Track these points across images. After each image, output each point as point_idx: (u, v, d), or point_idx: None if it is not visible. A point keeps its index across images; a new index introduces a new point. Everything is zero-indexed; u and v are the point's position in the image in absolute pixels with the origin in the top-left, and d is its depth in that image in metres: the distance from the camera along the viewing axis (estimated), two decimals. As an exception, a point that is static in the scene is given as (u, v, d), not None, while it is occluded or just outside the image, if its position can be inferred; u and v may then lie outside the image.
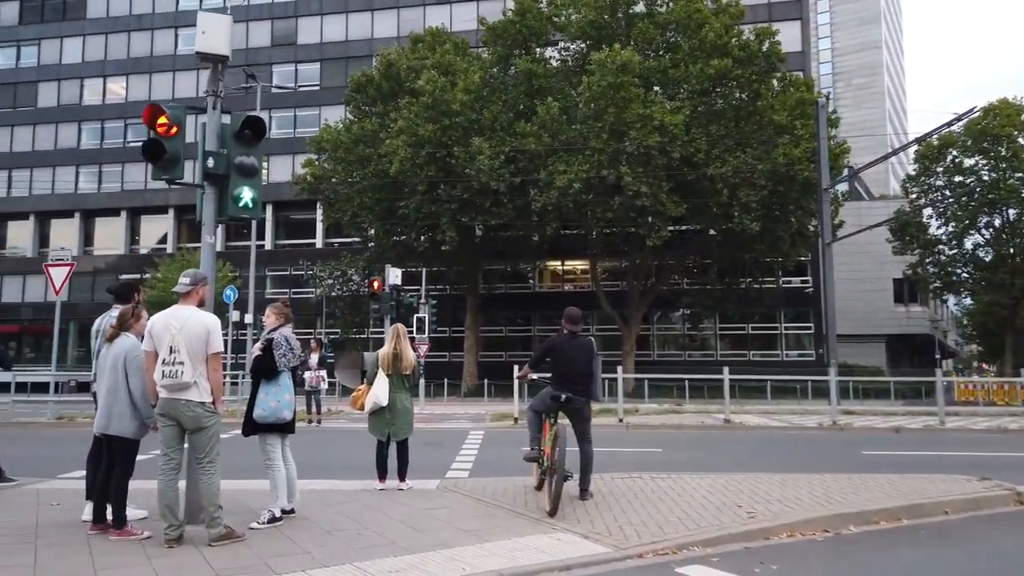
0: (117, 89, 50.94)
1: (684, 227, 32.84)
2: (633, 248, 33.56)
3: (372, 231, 36.30)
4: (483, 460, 9.82)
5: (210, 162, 5.67)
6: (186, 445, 5.03)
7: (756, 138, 29.79)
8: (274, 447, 5.65)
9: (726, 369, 15.23)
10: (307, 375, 14.50)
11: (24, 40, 51.59)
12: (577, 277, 44.31)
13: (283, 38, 48.91)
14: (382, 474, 7.18)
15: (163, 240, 49.91)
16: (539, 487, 6.92)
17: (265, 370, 5.65)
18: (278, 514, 5.53)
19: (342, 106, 44.27)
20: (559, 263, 43.63)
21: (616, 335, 36.31)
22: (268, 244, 48.40)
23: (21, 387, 18.62)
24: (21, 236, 50.94)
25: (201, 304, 5.12)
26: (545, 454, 6.28)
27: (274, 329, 5.82)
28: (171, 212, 49.24)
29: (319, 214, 47.98)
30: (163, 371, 4.78)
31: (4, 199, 50.67)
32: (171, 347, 4.80)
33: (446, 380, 32.25)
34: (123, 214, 49.46)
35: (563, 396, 6.27)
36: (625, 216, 29.80)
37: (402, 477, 7.14)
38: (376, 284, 18.95)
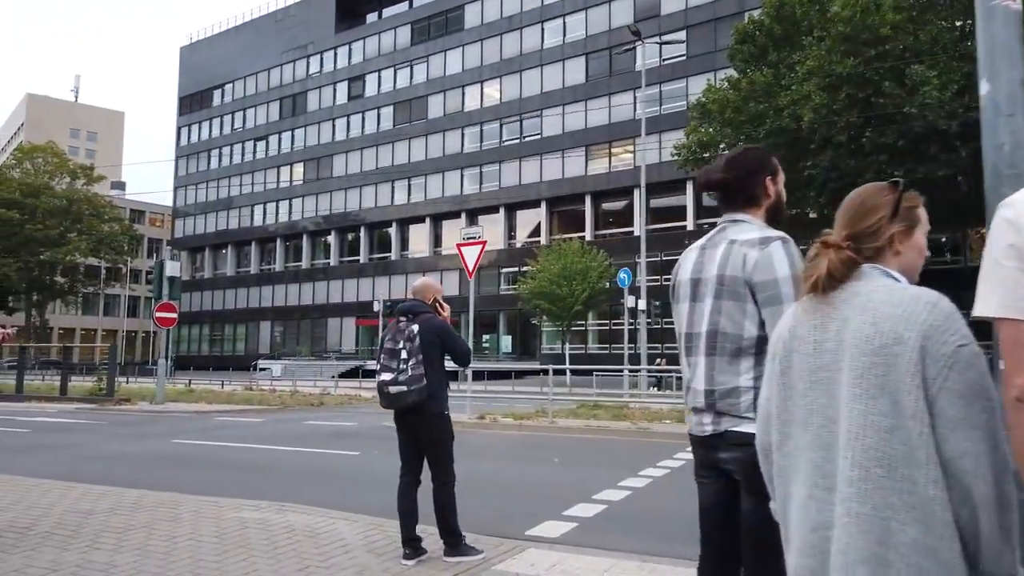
0: (492, 92, 53.36)
1: None
2: None
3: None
4: None
5: None
6: None
7: None
8: None
9: None
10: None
11: (415, 59, 56.90)
12: (1026, 246, 34.14)
13: (646, 10, 46.27)
14: None
15: (535, 232, 50.93)
16: None
17: None
18: None
19: (709, 74, 40.34)
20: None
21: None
22: (637, 230, 46.33)
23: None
24: (419, 239, 56.25)
25: None
26: None
27: None
28: (543, 205, 49.95)
29: (689, 193, 44.70)
30: None
31: (405, 205, 56.38)
32: None
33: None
34: (501, 210, 51.48)
35: None
36: None
37: None
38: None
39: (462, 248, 13.35)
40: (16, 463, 8.25)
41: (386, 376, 4.15)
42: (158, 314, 16.67)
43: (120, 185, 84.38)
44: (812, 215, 32.14)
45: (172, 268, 16.98)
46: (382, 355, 4.23)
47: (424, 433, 4.28)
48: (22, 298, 57.99)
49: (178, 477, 7.47)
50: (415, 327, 4.22)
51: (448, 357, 4.43)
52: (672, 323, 2.44)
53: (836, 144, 24.93)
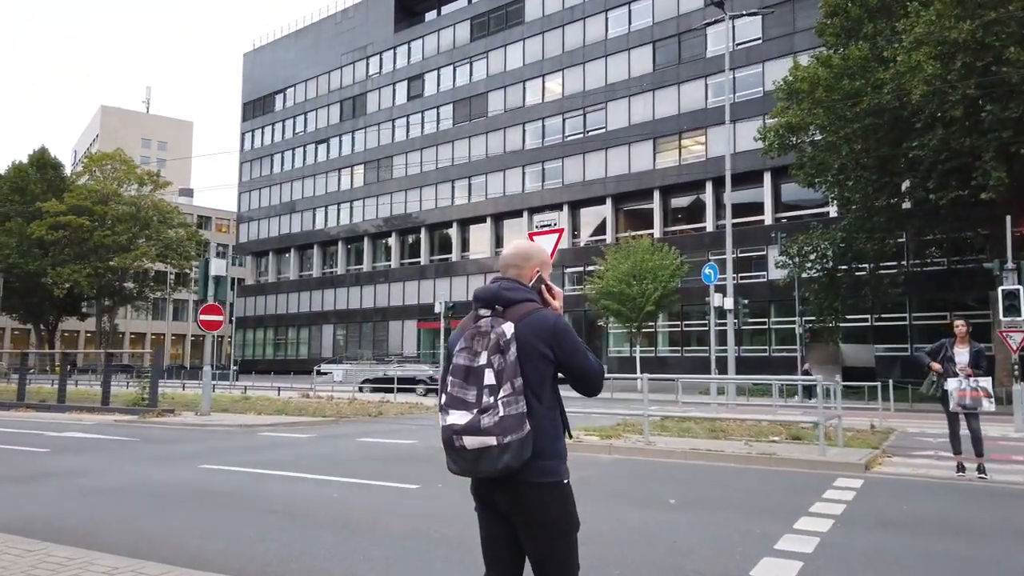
0: (553, 87, 51.43)
1: None
2: None
3: (845, 192, 29.00)
4: None
5: None
6: None
7: None
8: None
9: None
10: (951, 384, 8.20)
11: (475, 55, 55.40)
12: None
13: (718, -8, 43.49)
14: None
15: (598, 230, 48.74)
16: None
17: None
18: None
19: (787, 58, 37.56)
20: None
21: None
22: (709, 226, 43.74)
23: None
24: (480, 240, 54.65)
25: None
26: None
27: None
28: (608, 201, 47.71)
29: (767, 185, 41.86)
30: None
31: (466, 205, 54.89)
32: None
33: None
34: (564, 208, 49.44)
35: None
36: None
37: None
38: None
39: (536, 238, 11.39)
40: (1, 500, 6.75)
41: (456, 417, 2.24)
42: (203, 317, 15.24)
43: (188, 192, 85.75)
44: (906, 205, 29.40)
45: (218, 267, 15.56)
46: (450, 378, 2.34)
47: (526, 517, 2.36)
48: (94, 303, 58.90)
49: (183, 525, 5.78)
50: (507, 328, 2.30)
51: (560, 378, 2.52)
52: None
53: (949, 120, 22.11)
